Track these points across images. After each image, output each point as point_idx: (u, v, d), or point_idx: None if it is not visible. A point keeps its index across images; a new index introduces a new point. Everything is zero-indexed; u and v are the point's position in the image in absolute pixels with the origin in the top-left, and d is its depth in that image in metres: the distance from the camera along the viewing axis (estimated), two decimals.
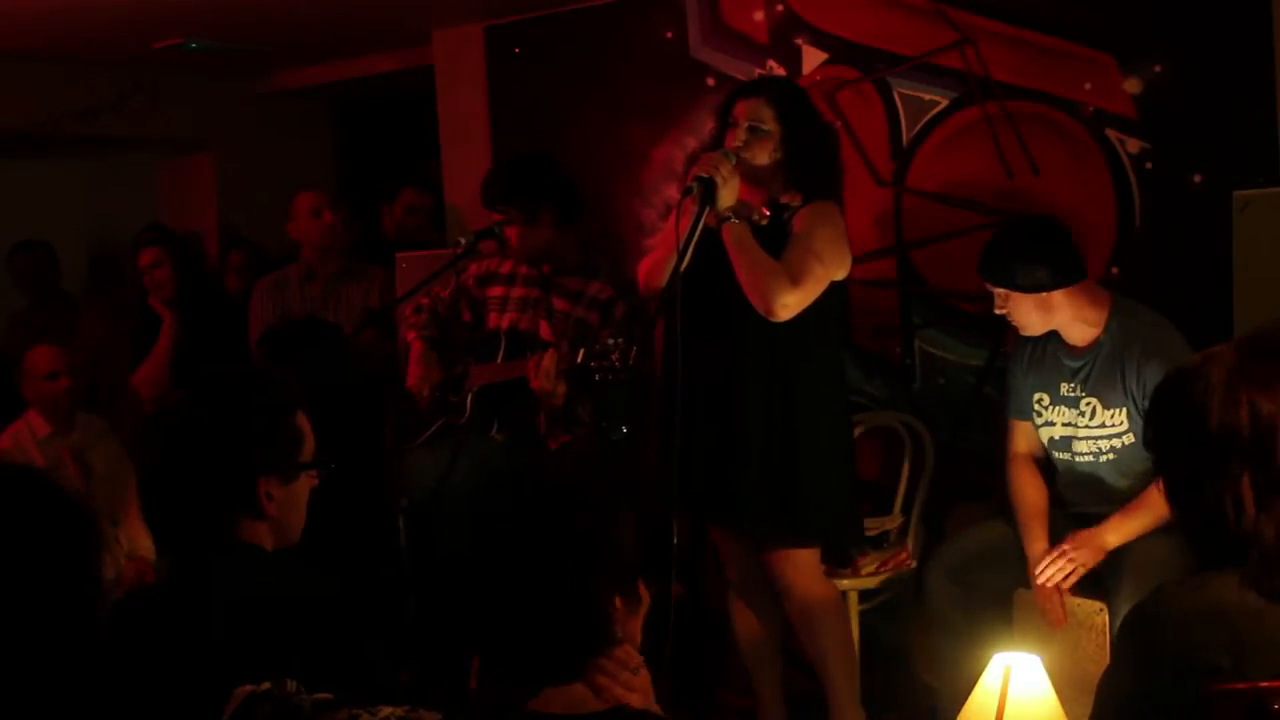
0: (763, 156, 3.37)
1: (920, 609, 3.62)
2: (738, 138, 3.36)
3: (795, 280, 3.24)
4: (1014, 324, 3.37)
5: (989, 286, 3.35)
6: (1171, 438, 1.85)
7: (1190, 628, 1.73)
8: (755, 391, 3.38)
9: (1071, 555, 3.25)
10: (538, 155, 4.29)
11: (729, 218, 3.26)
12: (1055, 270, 3.25)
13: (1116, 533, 3.23)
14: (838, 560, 3.79)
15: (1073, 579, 3.25)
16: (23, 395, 4.39)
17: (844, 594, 3.73)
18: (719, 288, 3.33)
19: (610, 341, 3.27)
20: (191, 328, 4.96)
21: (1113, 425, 3.30)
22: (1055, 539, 3.34)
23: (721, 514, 3.52)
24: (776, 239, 3.33)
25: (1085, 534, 3.26)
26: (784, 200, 3.41)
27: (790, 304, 3.24)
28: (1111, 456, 3.33)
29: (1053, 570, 3.26)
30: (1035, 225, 3.45)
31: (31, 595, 1.68)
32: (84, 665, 1.71)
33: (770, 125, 3.37)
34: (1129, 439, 3.29)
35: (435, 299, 4.23)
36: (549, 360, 3.66)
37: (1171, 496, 1.85)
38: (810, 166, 3.41)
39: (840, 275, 3.39)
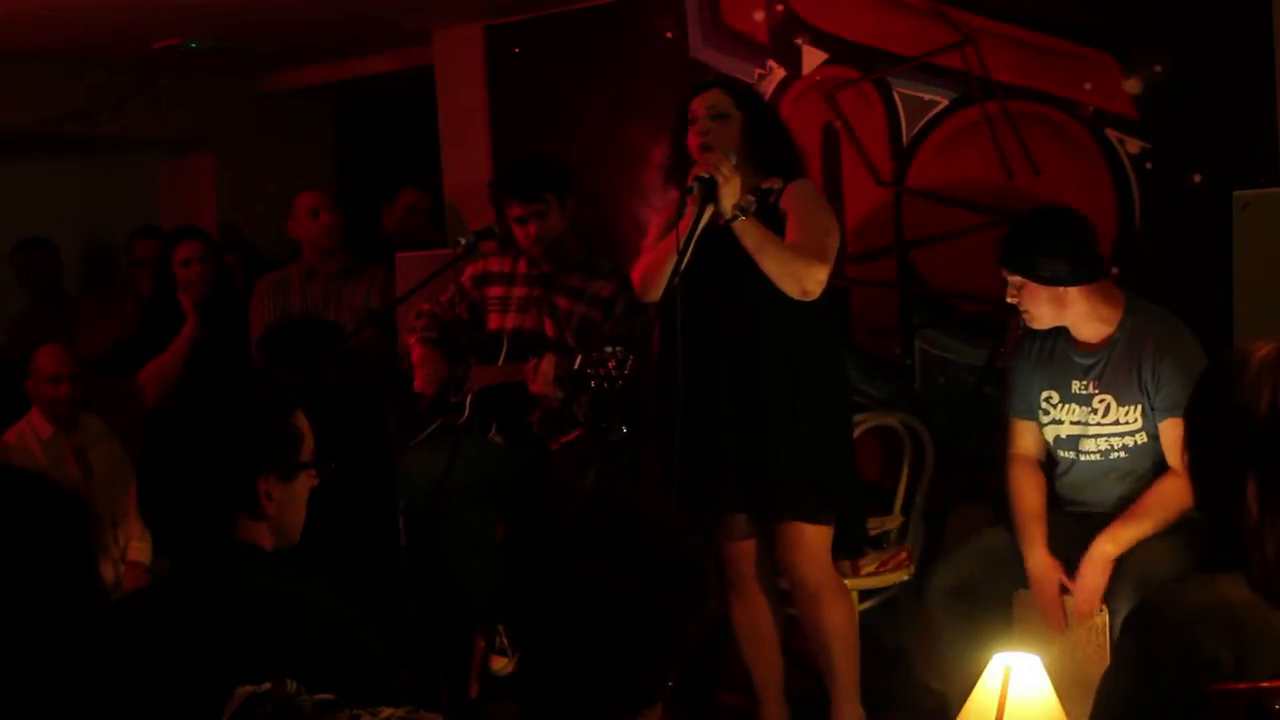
0: (729, 142, 3.40)
1: (920, 609, 3.62)
2: (701, 128, 3.43)
3: (822, 257, 3.36)
4: (1023, 314, 3.35)
5: (1005, 274, 3.33)
6: (1198, 420, 1.83)
7: (1193, 624, 1.72)
8: (766, 380, 3.41)
9: (1086, 587, 3.22)
10: (538, 153, 4.39)
11: (736, 216, 3.27)
12: (1076, 265, 3.23)
13: (1114, 542, 3.20)
14: (851, 549, 3.77)
15: (1094, 603, 3.22)
16: (26, 395, 4.40)
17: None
18: (719, 285, 3.35)
19: (608, 349, 3.28)
20: (207, 329, 4.95)
21: (1127, 422, 3.29)
22: (1056, 539, 3.32)
23: (738, 501, 3.52)
24: (768, 224, 3.37)
25: (1086, 559, 3.22)
26: (765, 186, 3.46)
27: (821, 279, 3.36)
28: (1122, 455, 3.31)
29: (1080, 607, 3.24)
30: (1060, 217, 3.37)
31: (30, 593, 1.68)
32: (84, 665, 1.71)
33: (731, 111, 3.45)
34: (1141, 438, 3.28)
35: (436, 303, 4.24)
36: (547, 365, 3.69)
37: (1192, 482, 1.83)
38: (776, 149, 3.50)
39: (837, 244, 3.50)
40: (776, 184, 3.47)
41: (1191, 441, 1.84)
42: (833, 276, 3.46)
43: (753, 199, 3.38)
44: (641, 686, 1.55)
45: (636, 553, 1.54)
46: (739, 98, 3.50)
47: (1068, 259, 3.22)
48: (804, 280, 3.32)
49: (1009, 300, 3.33)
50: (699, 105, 3.48)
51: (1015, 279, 3.29)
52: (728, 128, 3.44)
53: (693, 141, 3.45)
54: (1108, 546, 3.21)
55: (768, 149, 3.49)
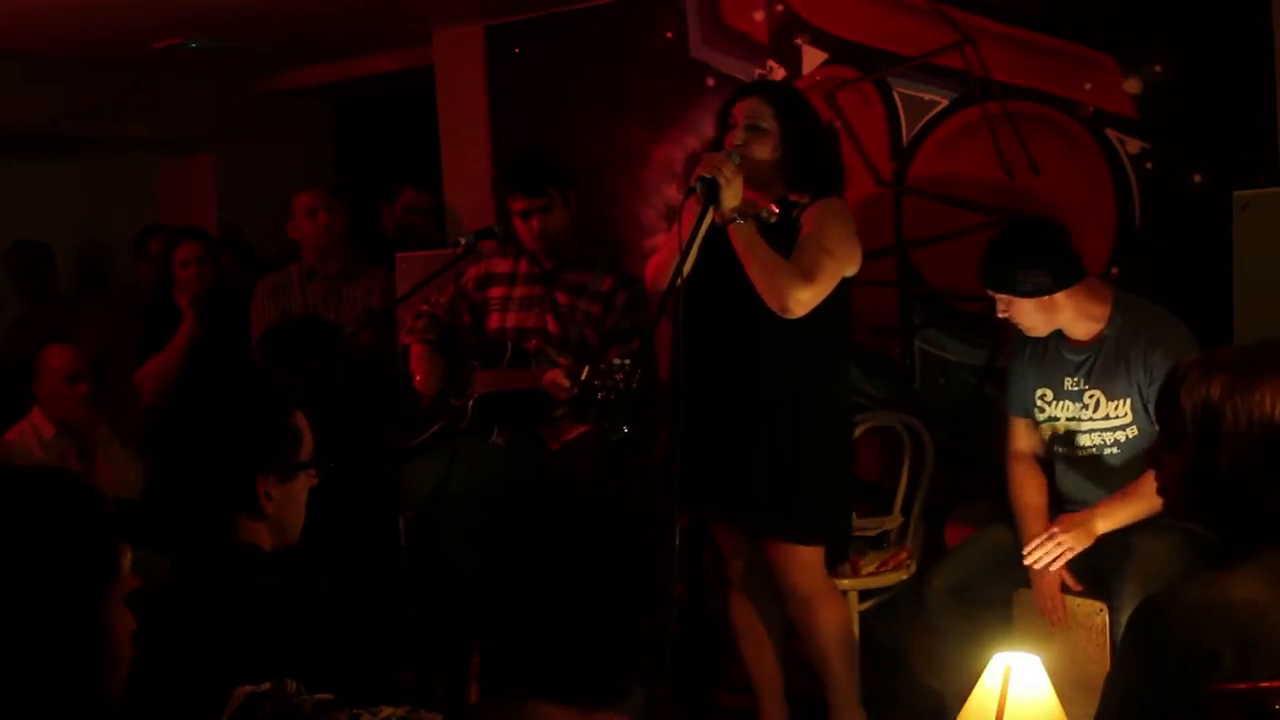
0: (762, 153, 3.38)
1: (920, 610, 3.62)
2: (737, 137, 3.38)
3: (808, 276, 3.26)
4: (1019, 327, 3.37)
5: (990, 293, 3.36)
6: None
7: (1196, 620, 1.74)
8: (764, 390, 3.40)
9: (1060, 538, 3.25)
10: (543, 148, 4.40)
11: (734, 218, 3.26)
12: (1056, 273, 3.26)
13: (1106, 519, 3.23)
14: (835, 557, 3.79)
15: (1060, 562, 3.25)
16: (26, 396, 4.38)
17: (844, 594, 3.73)
18: (727, 287, 3.34)
19: (616, 361, 3.29)
20: (205, 328, 4.95)
21: (1117, 417, 3.31)
22: None
23: (727, 510, 3.52)
24: (786, 237, 3.34)
25: (1075, 517, 3.27)
26: (793, 199, 3.42)
27: (804, 300, 3.26)
28: (1115, 450, 3.33)
29: (1041, 553, 3.27)
30: (1032, 229, 3.44)
31: (51, 595, 1.65)
32: (85, 664, 1.71)
33: (769, 123, 3.40)
34: (1133, 431, 3.29)
35: (435, 305, 4.24)
36: (559, 377, 3.72)
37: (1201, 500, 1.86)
38: (812, 164, 3.44)
39: (852, 270, 3.41)
40: (804, 199, 3.41)
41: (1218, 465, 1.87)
42: (846, 289, 3.42)
43: (775, 209, 3.37)
44: (618, 653, 1.57)
45: (590, 517, 1.61)
46: (779, 108, 3.42)
47: (1047, 269, 3.25)
48: (783, 296, 3.25)
49: (1000, 315, 3.36)
50: (739, 112, 3.43)
51: (1001, 296, 3.33)
52: (763, 140, 3.38)
53: (729, 146, 3.41)
54: (1100, 523, 3.24)
55: (802, 163, 3.42)
